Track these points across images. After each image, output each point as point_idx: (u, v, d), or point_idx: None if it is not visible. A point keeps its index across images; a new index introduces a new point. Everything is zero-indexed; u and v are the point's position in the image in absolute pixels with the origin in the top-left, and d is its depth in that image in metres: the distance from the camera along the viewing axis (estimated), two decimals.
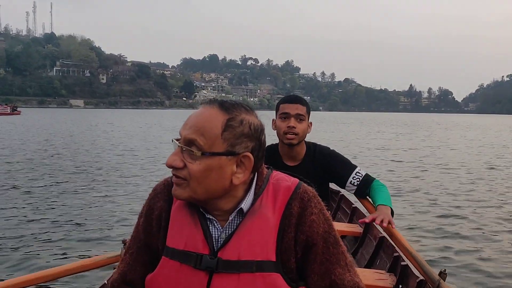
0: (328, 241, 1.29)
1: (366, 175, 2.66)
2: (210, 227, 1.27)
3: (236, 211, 1.26)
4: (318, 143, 2.73)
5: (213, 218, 1.27)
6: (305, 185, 1.32)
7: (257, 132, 1.25)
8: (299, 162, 2.61)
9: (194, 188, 1.22)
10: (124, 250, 2.15)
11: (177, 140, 1.23)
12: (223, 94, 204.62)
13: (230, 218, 1.26)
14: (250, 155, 1.22)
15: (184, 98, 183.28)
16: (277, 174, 1.34)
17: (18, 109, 68.13)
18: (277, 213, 1.26)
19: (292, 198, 1.27)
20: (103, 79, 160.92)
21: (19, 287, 2.07)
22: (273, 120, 2.61)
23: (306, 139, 2.66)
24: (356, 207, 4.24)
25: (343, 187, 2.69)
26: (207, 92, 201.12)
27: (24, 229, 6.00)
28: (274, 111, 2.65)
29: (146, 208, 1.38)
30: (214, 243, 1.26)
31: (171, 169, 1.23)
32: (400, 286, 2.59)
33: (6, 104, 66.68)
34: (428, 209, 8.29)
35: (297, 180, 1.33)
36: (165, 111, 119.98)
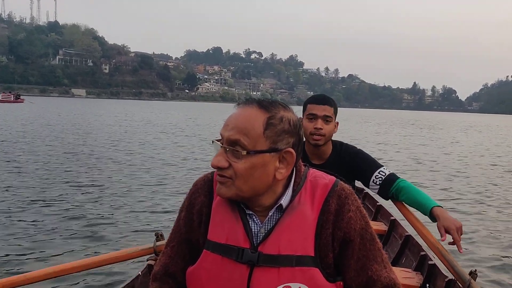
0: (364, 237, 1.31)
1: (391, 174, 2.54)
2: (250, 222, 1.30)
3: (276, 207, 1.29)
4: (345, 142, 2.71)
5: (253, 213, 1.30)
6: (342, 183, 1.35)
7: (296, 128, 1.29)
8: (325, 161, 2.59)
9: (240, 186, 1.25)
10: (156, 243, 2.38)
11: (218, 140, 1.26)
12: (226, 87, 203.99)
13: (270, 214, 1.29)
14: (292, 150, 1.26)
15: (187, 91, 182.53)
16: (314, 172, 1.37)
17: (21, 97, 67.56)
18: (315, 210, 1.29)
19: (329, 195, 1.30)
20: (105, 69, 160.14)
21: (55, 275, 2.21)
22: (299, 118, 2.55)
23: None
24: (380, 205, 4.24)
25: (367, 186, 2.60)
26: (210, 84, 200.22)
27: (57, 222, 6.07)
28: None
29: (187, 202, 1.42)
30: (254, 237, 1.29)
31: (217, 170, 1.26)
32: (428, 285, 2.59)
33: (9, 92, 66.11)
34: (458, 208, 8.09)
35: (334, 178, 1.35)
36: (167, 103, 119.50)
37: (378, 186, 2.53)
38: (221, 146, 1.25)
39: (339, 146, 2.65)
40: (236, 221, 1.30)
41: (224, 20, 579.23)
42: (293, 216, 1.28)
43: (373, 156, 2.66)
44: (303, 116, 2.56)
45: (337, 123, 2.58)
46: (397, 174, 2.58)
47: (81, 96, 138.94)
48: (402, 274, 2.66)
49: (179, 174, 10.31)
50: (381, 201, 4.31)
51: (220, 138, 1.27)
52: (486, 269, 5.01)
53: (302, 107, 2.54)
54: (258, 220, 1.30)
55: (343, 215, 1.29)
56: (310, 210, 1.29)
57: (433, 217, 2.31)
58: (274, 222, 1.29)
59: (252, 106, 1.27)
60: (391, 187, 2.51)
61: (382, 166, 2.59)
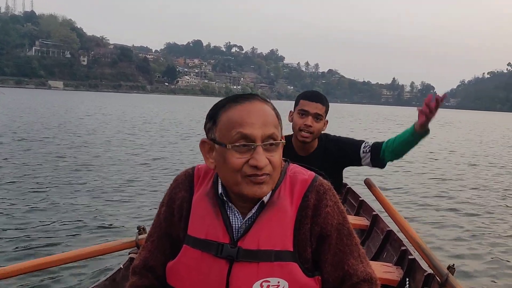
0: (341, 232, 1.32)
1: (374, 142, 2.64)
2: (231, 217, 1.31)
3: (259, 203, 1.29)
4: (328, 134, 2.75)
5: (235, 208, 1.31)
6: (321, 178, 1.36)
7: None
8: (310, 153, 2.63)
9: (275, 178, 1.28)
10: (138, 236, 2.45)
11: (249, 142, 1.23)
12: (206, 81, 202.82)
13: (254, 209, 1.30)
14: None
15: (166, 84, 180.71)
16: (294, 167, 1.38)
17: None
18: (294, 205, 1.30)
19: (308, 190, 1.31)
20: (83, 61, 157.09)
21: (36, 269, 2.21)
22: (290, 111, 2.62)
23: None
24: (363, 200, 4.25)
25: (359, 162, 2.63)
26: (190, 78, 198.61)
27: (38, 216, 5.97)
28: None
29: (168, 197, 1.43)
30: (234, 232, 1.30)
31: (258, 171, 1.23)
32: (407, 279, 2.63)
33: None
34: (438, 203, 8.20)
35: (313, 173, 1.37)
36: (146, 96, 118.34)
37: (369, 153, 2.57)
38: (259, 145, 1.23)
39: (324, 138, 2.68)
40: (216, 216, 1.31)
41: (205, 13, 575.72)
42: (272, 211, 1.28)
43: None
44: (294, 110, 2.58)
45: (327, 121, 2.61)
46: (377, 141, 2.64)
47: (58, 88, 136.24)
48: (382, 269, 2.68)
49: (162, 169, 10.23)
50: (363, 196, 4.44)
51: (243, 140, 1.23)
52: (463, 264, 5.06)
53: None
54: (240, 215, 1.31)
55: (320, 210, 1.29)
56: (289, 205, 1.29)
57: (419, 127, 2.33)
58: (254, 217, 1.29)
59: (261, 100, 1.28)
60: (380, 148, 2.56)
61: (364, 140, 2.67)
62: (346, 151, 2.64)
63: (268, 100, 1.30)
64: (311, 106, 2.51)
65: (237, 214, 1.31)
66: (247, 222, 1.30)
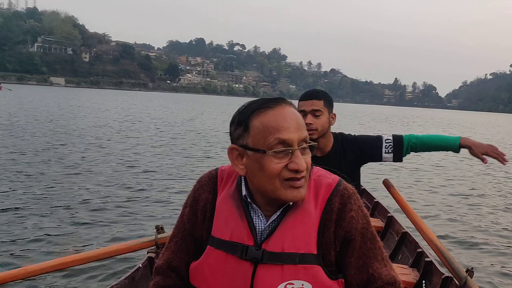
0: (365, 236, 1.32)
1: (394, 136, 2.66)
2: (255, 219, 1.31)
3: (284, 206, 1.30)
4: (344, 132, 2.77)
5: (259, 210, 1.31)
6: (345, 182, 1.36)
7: None
8: (327, 153, 2.63)
9: (307, 179, 1.30)
10: (157, 236, 2.49)
11: (288, 146, 1.24)
12: (208, 79, 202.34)
13: (278, 212, 1.30)
14: None
15: (168, 81, 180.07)
16: (318, 170, 1.38)
17: (0, 84, 65.45)
18: (318, 208, 1.30)
19: (333, 194, 1.31)
20: (85, 57, 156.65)
21: (56, 269, 2.26)
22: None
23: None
24: (378, 201, 4.24)
25: (380, 160, 2.68)
26: (192, 76, 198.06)
27: (58, 214, 5.98)
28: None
29: (191, 198, 1.43)
30: (258, 235, 1.30)
31: (297, 174, 1.24)
32: (424, 281, 2.62)
33: None
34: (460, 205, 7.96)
35: (337, 177, 1.37)
36: (148, 93, 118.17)
37: (392, 154, 2.62)
38: (298, 149, 1.24)
39: (340, 137, 2.69)
40: (240, 218, 1.31)
41: (208, 11, 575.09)
42: (297, 214, 1.29)
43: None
44: None
45: (334, 114, 2.62)
46: (397, 134, 2.69)
47: (60, 85, 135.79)
48: (398, 271, 2.34)
49: (180, 168, 10.10)
50: (378, 198, 4.41)
51: (281, 145, 1.23)
52: (483, 267, 4.98)
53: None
54: (264, 218, 1.31)
55: (345, 214, 1.30)
56: (314, 208, 1.30)
57: (464, 148, 2.49)
58: (278, 220, 1.30)
59: (287, 103, 1.29)
60: (403, 147, 2.61)
61: (382, 136, 2.68)
62: (367, 151, 2.65)
63: (292, 103, 1.31)
64: (307, 104, 2.54)
65: (261, 217, 1.31)
66: (271, 224, 1.30)
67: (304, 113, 2.51)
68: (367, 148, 2.64)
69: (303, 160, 1.24)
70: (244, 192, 1.33)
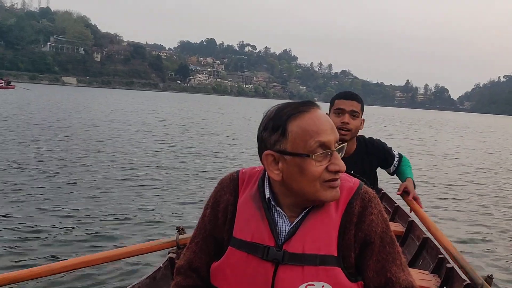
0: (385, 240, 1.33)
1: (400, 155, 2.98)
2: (278, 221, 1.33)
3: (309, 207, 1.32)
4: (364, 136, 2.87)
5: (283, 213, 1.33)
6: (366, 186, 1.38)
7: None
8: (349, 155, 2.66)
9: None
10: (178, 236, 2.56)
11: (327, 148, 1.26)
12: (219, 80, 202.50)
13: (303, 214, 1.32)
14: None
15: (179, 82, 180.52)
16: None
17: (11, 83, 65.89)
18: (339, 211, 1.31)
19: (354, 197, 1.33)
20: (97, 57, 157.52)
21: (80, 266, 2.32)
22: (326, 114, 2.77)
23: None
24: (398, 206, 4.18)
25: (385, 168, 2.98)
26: (202, 76, 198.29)
27: (82, 213, 6.03)
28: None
29: (212, 200, 1.45)
30: (279, 236, 1.32)
31: (337, 175, 1.28)
32: None
33: (1, 78, 64.44)
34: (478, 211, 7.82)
35: (358, 181, 1.38)
36: (159, 94, 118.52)
37: (395, 168, 2.95)
38: (335, 150, 1.27)
39: (363, 140, 2.77)
40: (262, 219, 1.32)
41: (219, 12, 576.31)
42: (318, 216, 1.30)
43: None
44: (329, 112, 2.61)
45: (363, 120, 2.66)
46: (401, 154, 3.02)
47: (71, 84, 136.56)
48: (419, 276, 2.64)
49: (200, 170, 10.05)
50: (399, 202, 4.21)
51: (320, 148, 1.25)
52: (503, 275, 4.89)
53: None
54: (288, 220, 1.33)
55: (365, 217, 1.31)
56: (334, 211, 1.31)
57: (403, 180, 2.95)
58: (299, 222, 1.32)
59: (317, 106, 1.31)
60: (399, 167, 2.97)
61: (393, 150, 2.97)
62: (383, 157, 2.87)
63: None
64: (347, 104, 2.56)
65: (285, 219, 1.32)
66: (293, 226, 1.32)
67: (342, 112, 2.54)
68: (385, 155, 2.86)
69: (342, 161, 1.27)
70: (268, 195, 1.34)
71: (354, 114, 2.55)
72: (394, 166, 2.90)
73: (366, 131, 2.85)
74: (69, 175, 8.28)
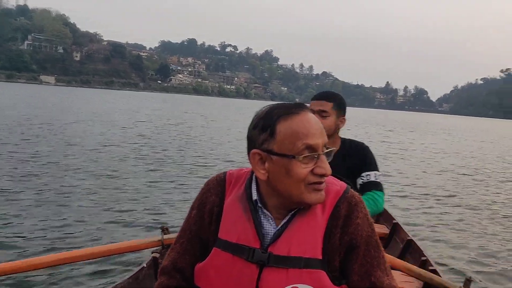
0: (370, 244, 1.33)
1: (374, 182, 2.58)
2: (264, 223, 1.33)
3: (296, 209, 1.32)
4: (355, 140, 2.74)
5: (270, 215, 1.33)
6: (353, 190, 1.38)
7: None
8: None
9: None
10: (163, 236, 2.51)
11: (314, 151, 1.26)
12: (199, 80, 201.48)
13: (288, 216, 1.32)
14: None
15: (159, 81, 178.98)
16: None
17: None
18: (325, 214, 1.31)
19: (340, 201, 1.33)
20: (76, 56, 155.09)
21: (61, 263, 2.27)
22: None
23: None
24: (384, 208, 3.77)
25: (358, 175, 2.62)
26: (183, 76, 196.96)
27: (64, 211, 6.01)
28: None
29: (198, 201, 1.45)
30: (264, 238, 1.32)
31: (322, 178, 1.29)
32: None
33: None
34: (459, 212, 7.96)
35: (345, 184, 1.39)
36: (139, 93, 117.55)
37: (359, 186, 2.57)
38: (323, 153, 1.28)
39: (348, 143, 2.66)
40: (248, 221, 1.32)
41: (200, 11, 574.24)
42: (304, 218, 1.30)
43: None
44: None
45: (344, 119, 2.59)
46: (380, 186, 2.58)
47: (49, 84, 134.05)
48: (402, 278, 2.62)
49: (186, 170, 10.08)
50: (384, 204, 4.09)
51: (307, 150, 1.25)
52: (481, 276, 4.98)
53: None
54: (274, 222, 1.33)
55: (351, 221, 1.31)
56: (321, 214, 1.31)
57: None
58: (285, 224, 1.32)
59: (308, 109, 1.32)
60: (363, 193, 2.51)
61: (377, 170, 2.62)
62: (361, 162, 2.60)
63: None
64: (315, 104, 2.53)
65: (271, 221, 1.32)
66: (279, 228, 1.32)
67: (312, 113, 2.49)
68: (364, 161, 2.59)
69: (328, 164, 1.27)
70: (255, 197, 1.34)
71: (322, 114, 2.50)
72: (363, 179, 2.56)
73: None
74: (51, 174, 8.19)
